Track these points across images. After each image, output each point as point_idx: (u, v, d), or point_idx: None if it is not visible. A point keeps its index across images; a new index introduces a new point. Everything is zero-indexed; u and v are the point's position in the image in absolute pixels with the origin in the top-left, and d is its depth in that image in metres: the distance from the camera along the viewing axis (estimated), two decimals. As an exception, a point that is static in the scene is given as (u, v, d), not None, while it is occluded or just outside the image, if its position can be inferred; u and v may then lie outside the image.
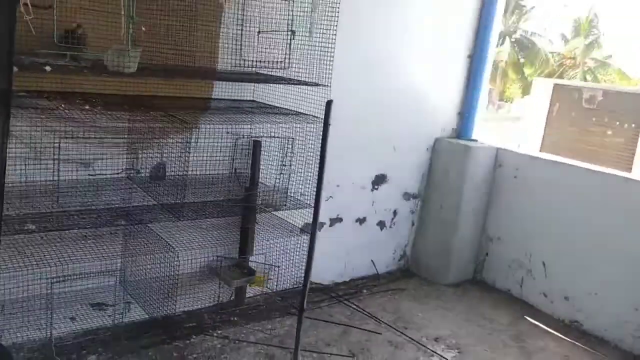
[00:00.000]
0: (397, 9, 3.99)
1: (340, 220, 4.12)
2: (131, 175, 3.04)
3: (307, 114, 3.04)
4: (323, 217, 4.01)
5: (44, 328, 2.73)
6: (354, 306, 3.91)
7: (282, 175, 3.37)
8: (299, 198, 3.23)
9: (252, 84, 3.31)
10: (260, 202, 3.23)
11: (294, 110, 3.12)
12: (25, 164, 2.60)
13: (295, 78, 3.04)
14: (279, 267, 3.60)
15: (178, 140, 3.11)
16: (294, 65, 3.02)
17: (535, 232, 4.25)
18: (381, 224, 4.40)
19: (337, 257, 4.20)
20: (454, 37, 4.40)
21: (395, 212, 4.45)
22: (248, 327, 3.45)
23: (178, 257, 3.01)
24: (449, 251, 4.46)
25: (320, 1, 2.69)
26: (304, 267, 3.09)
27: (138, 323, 3.14)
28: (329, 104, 2.86)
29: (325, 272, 4.14)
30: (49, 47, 2.23)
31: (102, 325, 3.04)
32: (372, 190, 4.24)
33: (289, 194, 3.30)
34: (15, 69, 1.98)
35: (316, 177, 2.96)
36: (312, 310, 3.77)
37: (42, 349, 2.79)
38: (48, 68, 2.10)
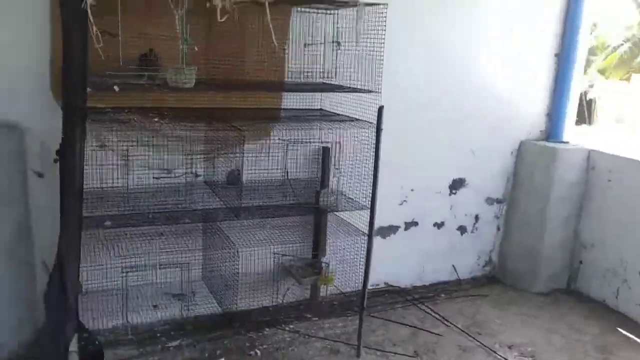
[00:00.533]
0: (473, 7, 3.99)
1: (415, 224, 4.17)
2: (208, 179, 3.39)
3: (363, 120, 3.17)
4: (397, 220, 4.10)
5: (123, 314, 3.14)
6: (429, 309, 3.94)
7: (335, 178, 3.51)
8: (358, 201, 3.35)
9: (320, 93, 3.51)
10: (324, 204, 3.38)
11: (351, 117, 3.27)
12: (119, 171, 3.04)
13: (351, 86, 3.20)
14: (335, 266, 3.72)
15: (252, 148, 3.42)
16: (348, 73, 3.19)
17: (632, 239, 3.97)
18: (462, 229, 4.37)
19: (415, 261, 4.24)
20: (538, 35, 4.27)
21: (477, 217, 4.40)
22: (318, 323, 3.64)
23: (250, 254, 3.31)
24: (537, 258, 4.31)
25: (365, 12, 2.82)
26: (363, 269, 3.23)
27: (215, 315, 3.46)
28: (380, 109, 2.98)
29: (402, 275, 4.22)
30: (117, 69, 2.62)
31: (183, 316, 3.40)
32: (449, 195, 4.24)
33: (349, 196, 3.43)
34: (88, 89, 2.36)
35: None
36: (385, 311, 3.87)
37: (118, 332, 3.21)
38: (116, 88, 2.47)
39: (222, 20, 2.51)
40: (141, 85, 2.63)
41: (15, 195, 2.89)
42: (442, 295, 4.21)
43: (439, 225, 4.27)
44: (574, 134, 4.46)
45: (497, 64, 4.17)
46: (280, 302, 3.74)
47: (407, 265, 4.21)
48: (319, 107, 3.55)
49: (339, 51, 3.16)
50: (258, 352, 3.25)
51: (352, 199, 3.39)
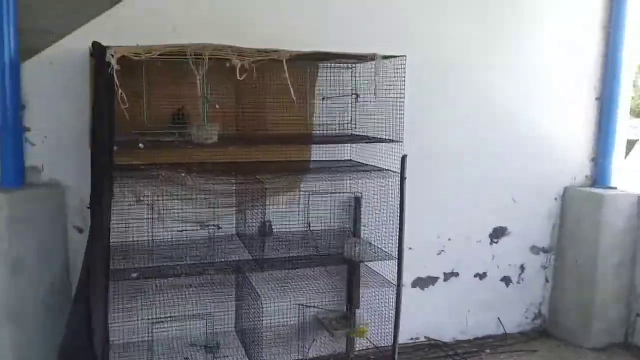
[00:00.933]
0: (513, 55, 4.00)
1: (456, 274, 4.06)
2: (240, 232, 3.46)
3: (390, 170, 3.17)
4: (436, 271, 4.01)
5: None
6: (471, 365, 3.79)
7: (364, 227, 3.51)
8: (386, 250, 3.31)
9: (348, 144, 3.56)
10: (348, 254, 3.36)
11: (378, 167, 3.28)
12: (150, 224, 3.17)
13: (376, 136, 3.23)
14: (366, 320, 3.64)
15: (282, 200, 3.49)
16: (371, 124, 3.23)
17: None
18: (506, 280, 4.21)
19: (457, 313, 4.11)
20: (579, 78, 4.20)
21: (522, 267, 4.23)
22: (353, 379, 3.56)
23: (279, 306, 3.31)
24: (589, 310, 4.07)
25: (383, 65, 2.88)
26: (392, 322, 3.16)
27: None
28: (403, 158, 2.99)
29: (444, 328, 4.08)
30: (147, 128, 2.80)
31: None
32: (490, 244, 4.12)
33: (378, 246, 3.40)
34: (115, 147, 2.51)
35: (398, 230, 3.07)
36: (426, 367, 3.75)
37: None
38: (141, 145, 2.62)
39: (242, 78, 2.62)
40: (166, 142, 2.77)
41: (56, 249, 3.07)
42: (487, 350, 4.02)
43: (480, 276, 4.13)
44: (622, 179, 4.27)
45: (538, 109, 4.12)
46: (312, 355, 3.69)
47: (448, 317, 4.08)
48: (348, 158, 3.59)
49: (359, 103, 3.23)
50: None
51: (380, 248, 3.36)
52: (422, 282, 3.98)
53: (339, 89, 3.44)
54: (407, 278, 3.92)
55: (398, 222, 3.08)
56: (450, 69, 3.81)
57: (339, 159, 3.58)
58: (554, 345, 4.15)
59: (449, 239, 4.00)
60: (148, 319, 3.17)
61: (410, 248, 3.83)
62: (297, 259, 3.36)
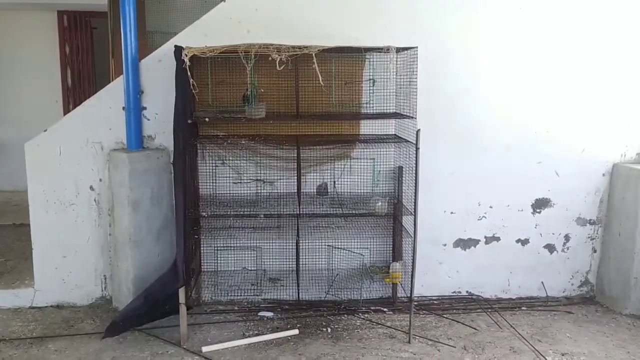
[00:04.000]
0: (557, 36, 4.30)
1: (497, 239, 4.50)
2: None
3: (408, 141, 3.81)
4: (477, 234, 4.50)
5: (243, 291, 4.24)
6: (501, 317, 4.25)
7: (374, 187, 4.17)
8: (408, 208, 3.94)
9: (392, 120, 4.23)
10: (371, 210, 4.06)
11: (405, 139, 3.92)
12: (228, 183, 4.19)
13: (400, 113, 3.88)
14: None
15: (337, 166, 4.29)
16: (400, 104, 3.88)
17: None
18: (550, 247, 4.54)
19: (499, 274, 4.56)
20: (632, 52, 4.36)
21: (567, 237, 4.53)
22: (392, 316, 4.24)
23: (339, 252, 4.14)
24: (628, 280, 4.27)
25: (395, 54, 3.52)
26: (410, 269, 3.80)
27: (308, 300, 4.33)
28: (417, 132, 3.60)
29: (486, 286, 4.57)
30: (207, 107, 3.78)
31: (281, 298, 4.35)
32: (532, 214, 4.48)
33: (406, 205, 4.04)
34: (189, 121, 3.52)
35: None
36: (458, 314, 4.30)
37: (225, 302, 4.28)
38: (207, 119, 3.60)
39: (281, 69, 3.47)
40: (225, 117, 3.73)
41: (163, 195, 4.20)
42: (524, 307, 4.44)
43: (522, 242, 4.53)
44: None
45: (588, 84, 4.36)
46: (366, 296, 4.44)
47: (490, 277, 4.55)
48: (392, 133, 4.25)
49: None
50: (329, 329, 4.02)
51: (406, 207, 4.00)
52: (464, 243, 4.50)
53: (383, 75, 4.14)
54: (449, 239, 4.49)
55: (414, 185, 3.69)
56: (493, 50, 4.28)
57: (386, 133, 4.28)
58: (592, 310, 4.42)
59: (490, 207, 4.46)
60: (216, 248, 4.24)
61: (452, 212, 4.45)
62: (348, 215, 4.17)
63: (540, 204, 4.49)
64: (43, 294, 4.28)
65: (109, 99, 4.15)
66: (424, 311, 4.35)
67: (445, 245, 4.50)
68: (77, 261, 4.27)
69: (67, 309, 4.28)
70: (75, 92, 8.31)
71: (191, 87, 3.49)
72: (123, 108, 4.10)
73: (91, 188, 4.22)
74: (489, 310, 4.38)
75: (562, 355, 3.72)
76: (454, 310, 4.37)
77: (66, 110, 7.81)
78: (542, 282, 4.59)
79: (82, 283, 4.30)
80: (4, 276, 4.69)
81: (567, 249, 4.56)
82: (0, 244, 5.70)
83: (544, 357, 3.67)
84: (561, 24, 4.28)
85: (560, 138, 4.40)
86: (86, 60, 8.46)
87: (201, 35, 4.01)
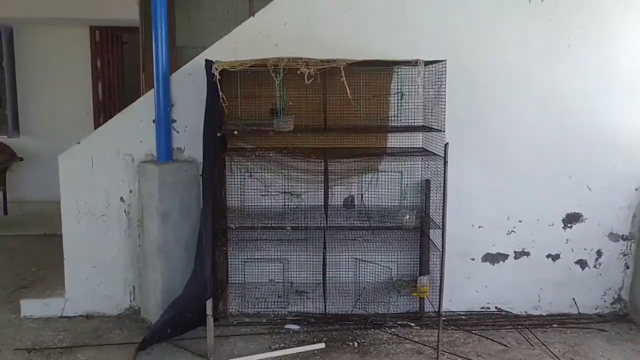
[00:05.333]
0: (590, 47, 4.25)
1: (526, 254, 4.43)
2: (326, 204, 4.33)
3: (436, 154, 3.79)
4: (506, 249, 4.44)
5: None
6: (532, 334, 4.16)
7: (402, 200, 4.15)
8: (436, 222, 3.91)
9: (420, 134, 4.21)
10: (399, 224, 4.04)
11: (433, 152, 3.90)
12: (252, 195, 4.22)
13: (429, 126, 3.86)
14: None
15: (364, 179, 4.29)
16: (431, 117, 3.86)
17: None
18: (582, 263, 4.45)
19: (529, 290, 4.48)
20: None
21: (599, 252, 4.44)
22: (419, 331, 4.19)
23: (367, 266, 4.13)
24: (666, 298, 4.17)
25: (424, 68, 3.52)
26: (438, 283, 3.75)
27: (335, 314, 4.30)
28: (445, 146, 3.58)
29: (515, 301, 4.49)
30: (236, 120, 3.83)
31: (307, 311, 4.33)
32: (564, 228, 4.41)
33: (433, 219, 4.00)
34: (218, 134, 3.56)
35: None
36: (487, 331, 4.23)
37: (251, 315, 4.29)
38: (235, 132, 3.64)
39: (309, 82, 3.49)
40: (253, 130, 3.76)
41: (192, 206, 4.23)
42: (555, 325, 4.35)
43: (553, 257, 4.44)
44: None
45: (618, 97, 4.30)
46: (393, 311, 4.40)
47: (520, 292, 4.47)
48: (420, 146, 4.23)
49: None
50: (355, 344, 3.99)
51: (434, 221, 3.97)
52: (492, 258, 4.44)
53: (411, 88, 4.14)
54: (477, 253, 4.43)
55: (442, 199, 3.66)
56: (521, 62, 4.25)
57: (414, 146, 4.26)
58: (626, 327, 4.31)
59: (520, 221, 4.40)
60: (243, 260, 4.28)
61: (480, 226, 4.40)
62: (375, 228, 4.15)
63: (571, 219, 4.41)
64: (73, 303, 4.34)
65: (140, 112, 4.23)
66: (452, 327, 4.29)
67: (473, 259, 4.44)
68: (107, 272, 4.33)
69: (96, 318, 4.34)
70: (106, 105, 8.48)
71: (221, 100, 3.53)
72: (153, 121, 4.17)
73: (121, 199, 4.28)
74: (519, 326, 4.30)
75: (595, 374, 3.64)
76: (483, 326, 4.30)
77: (97, 123, 7.97)
78: (574, 299, 4.50)
79: (112, 293, 4.36)
80: (35, 285, 4.78)
81: (599, 264, 4.47)
82: (33, 254, 5.83)
83: (576, 375, 3.60)
84: (591, 34, 4.23)
85: (591, 152, 4.33)
86: (116, 74, 8.64)
87: (230, 49, 4.07)
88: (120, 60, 8.70)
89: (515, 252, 4.44)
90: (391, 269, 4.35)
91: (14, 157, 7.64)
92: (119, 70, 8.70)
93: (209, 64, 3.56)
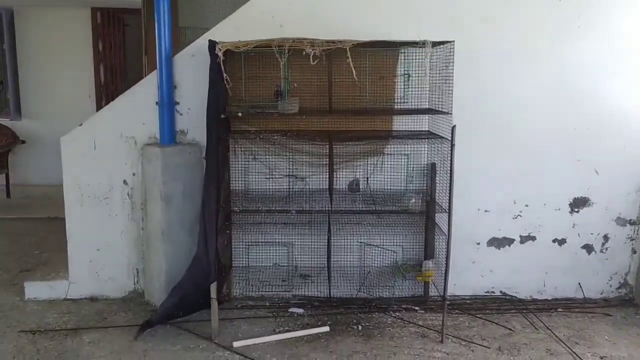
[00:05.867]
0: (601, 29, 4.17)
1: (532, 238, 4.40)
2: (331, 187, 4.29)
3: (443, 137, 3.74)
4: (511, 233, 4.40)
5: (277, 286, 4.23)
6: (536, 319, 4.14)
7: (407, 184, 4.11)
8: (442, 206, 3.87)
9: (426, 116, 4.15)
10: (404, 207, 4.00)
11: (439, 135, 3.85)
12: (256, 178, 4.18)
13: (434, 108, 3.81)
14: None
15: (369, 162, 4.24)
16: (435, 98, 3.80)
17: None
18: (588, 248, 4.42)
19: (535, 274, 4.45)
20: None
21: (606, 237, 4.40)
22: (424, 315, 4.18)
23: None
24: (672, 283, 4.14)
25: (431, 49, 3.46)
26: (443, 267, 3.73)
27: (339, 298, 4.28)
28: (453, 129, 3.53)
29: (521, 286, 4.47)
30: (240, 102, 3.76)
31: (312, 295, 4.31)
32: (570, 213, 4.36)
33: (439, 203, 3.96)
34: (222, 115, 3.51)
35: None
36: (492, 315, 4.21)
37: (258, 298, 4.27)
38: (240, 114, 3.59)
39: (314, 63, 3.43)
40: (257, 112, 3.71)
41: (195, 189, 4.20)
42: (560, 309, 4.33)
43: (559, 242, 4.41)
44: None
45: (630, 79, 4.23)
46: (398, 294, 4.37)
47: (525, 277, 4.44)
48: (426, 129, 4.18)
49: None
50: (360, 327, 3.98)
51: (440, 205, 3.93)
52: (498, 242, 4.40)
53: (418, 70, 4.07)
54: (482, 237, 4.40)
55: (449, 183, 3.62)
56: (529, 43, 4.18)
57: (420, 129, 4.20)
58: (631, 312, 4.29)
59: (526, 205, 4.35)
60: (247, 243, 4.25)
61: (486, 211, 4.36)
62: (380, 212, 4.12)
63: (578, 203, 4.36)
64: (77, 286, 4.33)
65: (143, 94, 4.18)
66: (456, 311, 4.27)
67: (478, 244, 4.41)
68: (111, 255, 4.31)
69: (100, 301, 4.33)
70: (108, 88, 8.42)
71: (225, 81, 3.48)
72: (156, 103, 4.12)
73: (124, 182, 4.25)
74: (524, 311, 4.28)
75: (601, 358, 3.61)
76: (488, 311, 4.28)
77: (99, 106, 7.92)
78: (579, 284, 4.47)
79: (115, 276, 4.34)
80: (39, 268, 4.77)
81: (606, 249, 4.43)
82: (36, 237, 5.82)
83: (580, 359, 3.58)
84: (597, 14, 4.16)
85: (600, 135, 4.27)
86: (119, 56, 8.59)
87: (234, 30, 4.00)
88: (122, 42, 8.64)
89: (521, 236, 4.41)
90: (396, 253, 4.33)
91: (16, 140, 7.60)
92: (121, 52, 8.64)
93: (212, 44, 3.50)
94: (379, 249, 4.30)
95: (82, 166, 4.22)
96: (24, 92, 8.25)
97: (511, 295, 4.48)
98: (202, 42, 4.00)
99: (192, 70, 4.10)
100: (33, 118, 8.25)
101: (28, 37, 8.11)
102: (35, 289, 4.33)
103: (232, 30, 3.99)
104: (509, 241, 4.41)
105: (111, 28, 8.37)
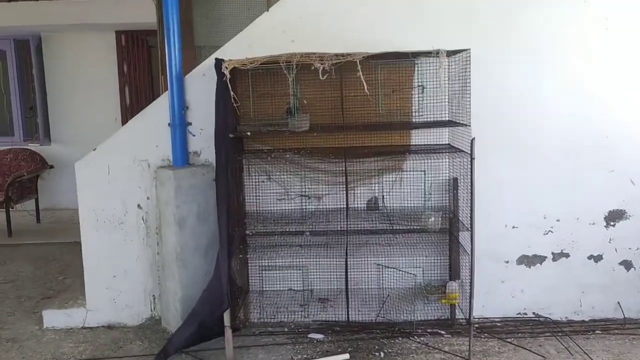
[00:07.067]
0: (631, 30, 3.94)
1: (566, 255, 4.13)
2: (350, 206, 4.12)
3: (463, 151, 3.53)
4: (543, 250, 4.14)
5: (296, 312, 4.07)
6: (572, 342, 3.86)
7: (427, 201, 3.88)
8: (464, 223, 3.65)
9: (446, 129, 3.96)
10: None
11: (459, 149, 3.65)
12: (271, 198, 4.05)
13: (454, 121, 3.61)
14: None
15: (386, 179, 4.07)
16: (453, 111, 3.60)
17: None
18: (626, 264, 4.12)
19: (570, 294, 4.17)
20: None
21: (645, 252, 4.11)
22: (450, 340, 3.95)
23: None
24: None
25: (446, 60, 3.27)
26: (468, 289, 3.51)
27: (360, 322, 4.07)
28: (472, 141, 3.34)
29: (555, 306, 4.19)
30: (249, 121, 3.64)
31: (331, 319, 4.12)
32: (606, 227, 4.08)
33: (462, 220, 3.75)
34: (231, 135, 3.40)
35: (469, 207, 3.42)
36: (524, 339, 3.95)
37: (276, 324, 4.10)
38: (249, 133, 3.47)
39: (324, 78, 3.30)
40: (272, 131, 3.58)
41: (210, 212, 4.09)
42: (598, 331, 4.03)
43: (595, 259, 4.13)
44: None
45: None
46: (421, 318, 4.15)
47: (560, 297, 4.17)
48: (447, 143, 3.98)
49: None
50: (382, 354, 3.78)
51: (462, 222, 3.71)
52: (528, 260, 4.15)
53: (434, 81, 3.89)
54: (511, 255, 4.15)
55: (470, 197, 3.42)
56: (556, 50, 3.96)
57: (439, 143, 4.01)
58: (678, 334, 3.97)
59: (558, 220, 4.09)
60: (262, 267, 4.12)
61: (514, 227, 4.12)
62: (400, 231, 3.92)
63: (614, 216, 4.08)
64: (94, 313, 4.27)
65: (155, 116, 4.11)
66: (485, 334, 4.02)
67: (507, 262, 4.16)
68: (127, 281, 4.24)
69: (117, 329, 4.25)
70: (133, 110, 8.45)
71: (232, 100, 3.37)
72: (169, 124, 4.05)
73: (139, 206, 4.18)
74: (559, 334, 4.00)
75: (644, 386, 3.33)
76: (519, 334, 4.02)
77: (125, 128, 7.96)
78: (619, 303, 4.16)
79: (132, 303, 4.26)
80: (59, 295, 4.74)
81: (647, 265, 4.14)
82: (61, 262, 5.84)
83: (622, 388, 3.30)
84: (632, 15, 3.91)
85: (636, 142, 3.99)
86: (143, 78, 8.63)
87: (245, 46, 3.91)
88: (147, 63, 8.69)
89: (553, 253, 4.14)
90: (416, 275, 4.12)
91: (45, 165, 7.70)
92: (145, 74, 8.70)
93: (218, 62, 3.40)
94: (399, 271, 4.10)
95: (97, 191, 4.18)
96: (52, 117, 8.40)
97: (545, 317, 4.20)
98: (212, 61, 3.90)
99: (203, 90, 4.01)
100: (62, 142, 8.37)
101: (56, 62, 8.25)
102: (54, 318, 4.28)
103: (243, 47, 3.89)
104: (540, 259, 4.15)
105: (136, 50, 8.45)
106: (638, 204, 4.06)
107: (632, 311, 4.17)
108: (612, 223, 4.09)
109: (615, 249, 4.12)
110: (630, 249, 4.11)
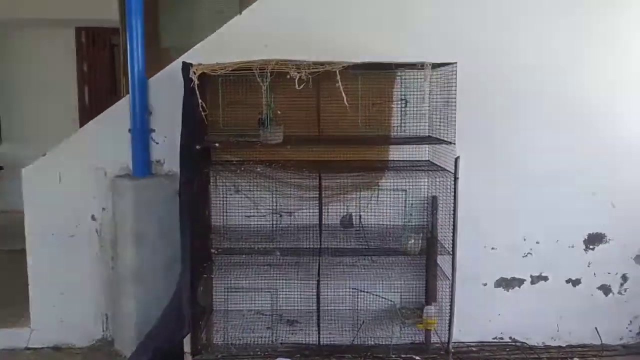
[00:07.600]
0: (618, 49, 3.85)
1: (544, 278, 3.99)
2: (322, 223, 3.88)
3: (445, 170, 3.35)
4: (522, 273, 4.00)
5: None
6: (551, 370, 3.73)
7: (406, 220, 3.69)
8: (445, 246, 3.47)
9: (426, 146, 3.77)
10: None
11: (441, 167, 3.46)
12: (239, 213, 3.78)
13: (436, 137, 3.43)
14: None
15: (365, 196, 3.85)
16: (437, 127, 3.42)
17: None
18: (605, 289, 4.01)
19: (547, 318, 4.03)
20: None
21: (624, 277, 4.00)
22: (424, 365, 3.76)
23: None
24: (701, 329, 3.72)
25: (431, 73, 3.08)
26: (448, 316, 3.31)
27: (331, 345, 3.85)
28: (456, 160, 3.16)
29: (532, 331, 4.05)
30: (218, 130, 3.37)
31: (302, 342, 3.88)
32: (585, 250, 3.97)
33: (441, 242, 3.56)
34: (197, 146, 3.12)
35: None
36: (501, 365, 3.79)
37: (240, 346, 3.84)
38: (217, 144, 3.20)
39: (300, 88, 3.05)
40: (238, 141, 3.32)
41: (173, 226, 3.78)
42: (575, 358, 3.90)
43: (574, 282, 4.00)
44: None
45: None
46: (395, 342, 3.95)
47: (537, 321, 4.02)
48: (427, 159, 3.79)
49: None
50: (354, 380, 3.56)
51: (442, 244, 3.52)
52: (506, 283, 3.99)
53: (418, 94, 3.69)
54: (489, 278, 3.99)
55: (452, 220, 3.23)
56: (541, 70, 3.82)
57: (418, 159, 3.82)
58: (656, 362, 3.88)
59: (537, 242, 3.95)
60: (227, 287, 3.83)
61: (493, 248, 3.96)
62: (376, 252, 3.70)
63: (593, 240, 3.97)
64: (40, 333, 3.90)
65: (115, 120, 3.79)
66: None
67: (485, 284, 4.00)
68: (77, 299, 3.89)
69: (64, 350, 3.89)
70: (93, 112, 7.97)
71: (200, 108, 3.09)
72: (129, 130, 3.73)
73: (93, 218, 3.85)
74: (536, 359, 3.85)
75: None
76: (496, 359, 3.85)
77: (82, 130, 7.55)
78: (596, 328, 4.04)
79: (82, 323, 3.91)
80: (1, 310, 4.33)
81: (625, 290, 4.02)
82: (6, 272, 5.38)
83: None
84: (620, 32, 3.82)
85: (617, 166, 3.89)
86: (105, 78, 8.21)
87: (216, 50, 3.61)
88: (110, 63, 8.27)
89: (532, 276, 4.00)
90: (393, 300, 3.90)
91: (-7, 166, 7.22)
92: (108, 74, 8.28)
93: (186, 67, 3.13)
94: (374, 295, 3.88)
95: (46, 200, 3.83)
96: (4, 115, 7.89)
97: (522, 342, 4.05)
98: (179, 64, 3.60)
99: (169, 94, 3.70)
100: (13, 142, 7.87)
101: (9, 58, 7.76)
102: (-6, 337, 3.91)
103: (214, 51, 3.59)
104: (518, 282, 4.00)
105: (97, 49, 8.03)
106: (618, 228, 3.95)
107: (609, 337, 4.05)
108: (591, 246, 3.98)
109: (594, 273, 4.00)
110: (609, 273, 4.00)
